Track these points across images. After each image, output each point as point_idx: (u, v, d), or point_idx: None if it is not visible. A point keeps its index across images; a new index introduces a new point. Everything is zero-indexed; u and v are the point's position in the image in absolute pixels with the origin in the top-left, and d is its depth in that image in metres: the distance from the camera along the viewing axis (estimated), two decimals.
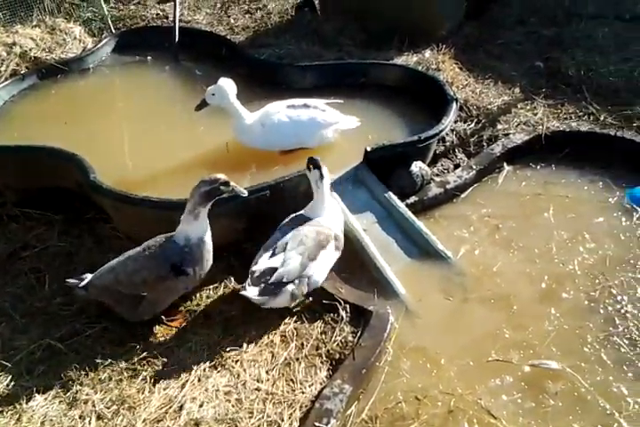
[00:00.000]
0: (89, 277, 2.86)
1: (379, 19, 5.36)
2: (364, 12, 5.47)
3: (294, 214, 3.06)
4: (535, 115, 4.29)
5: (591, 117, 4.24)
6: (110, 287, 2.76)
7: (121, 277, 2.74)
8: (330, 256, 2.95)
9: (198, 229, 2.70)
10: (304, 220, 2.99)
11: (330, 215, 3.04)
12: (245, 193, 2.76)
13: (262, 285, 2.74)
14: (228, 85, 3.54)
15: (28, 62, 4.78)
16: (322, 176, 2.94)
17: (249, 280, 2.77)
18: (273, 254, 2.83)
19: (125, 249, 3.29)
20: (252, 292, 2.72)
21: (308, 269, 2.83)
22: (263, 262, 2.80)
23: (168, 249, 2.71)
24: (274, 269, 2.76)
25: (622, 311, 3.00)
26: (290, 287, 2.80)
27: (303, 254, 2.82)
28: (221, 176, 2.67)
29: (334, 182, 3.34)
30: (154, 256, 2.71)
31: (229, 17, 6.38)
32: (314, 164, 2.94)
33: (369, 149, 3.46)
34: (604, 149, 3.97)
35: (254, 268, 2.80)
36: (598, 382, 2.71)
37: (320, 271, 2.91)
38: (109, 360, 2.73)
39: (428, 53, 4.89)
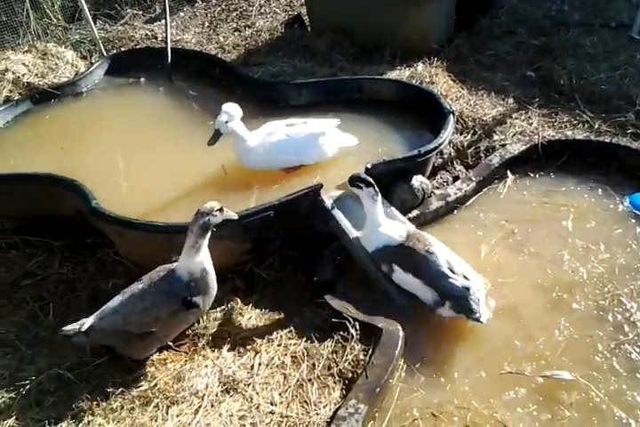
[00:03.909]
0: (88, 321, 2.70)
1: (369, 33, 5.40)
2: (353, 27, 5.51)
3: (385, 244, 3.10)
4: (530, 124, 4.31)
5: (585, 125, 4.25)
6: (118, 329, 2.65)
7: (131, 317, 2.63)
8: None
9: (200, 261, 2.64)
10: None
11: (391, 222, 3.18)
12: (236, 216, 2.73)
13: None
14: (235, 110, 3.52)
15: (22, 88, 4.79)
16: (377, 192, 3.02)
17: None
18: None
19: (129, 273, 3.28)
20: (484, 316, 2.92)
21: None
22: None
23: (175, 283, 2.64)
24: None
25: (632, 319, 2.99)
26: None
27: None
28: (214, 204, 2.61)
29: (336, 200, 3.33)
30: (164, 292, 2.63)
31: (218, 35, 6.41)
32: (365, 182, 3.00)
33: (369, 165, 3.43)
34: (600, 157, 3.99)
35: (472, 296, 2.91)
36: (612, 392, 2.69)
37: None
38: (120, 389, 2.68)
39: (420, 67, 4.92)
